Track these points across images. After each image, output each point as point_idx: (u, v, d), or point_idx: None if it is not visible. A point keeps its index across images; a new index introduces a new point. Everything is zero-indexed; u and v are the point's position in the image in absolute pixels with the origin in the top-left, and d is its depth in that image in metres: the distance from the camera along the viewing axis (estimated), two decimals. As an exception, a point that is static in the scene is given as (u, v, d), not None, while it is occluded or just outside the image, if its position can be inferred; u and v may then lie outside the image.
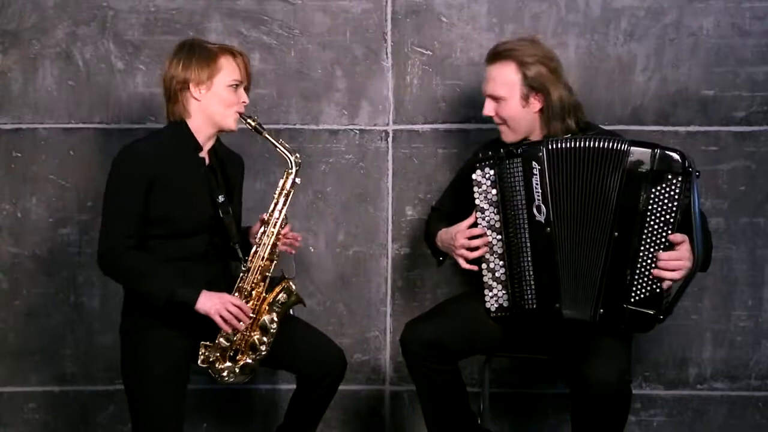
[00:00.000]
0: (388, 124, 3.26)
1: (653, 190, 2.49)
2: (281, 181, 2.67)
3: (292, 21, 3.24)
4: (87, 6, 3.22)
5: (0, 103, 3.24)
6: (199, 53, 2.61)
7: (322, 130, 3.26)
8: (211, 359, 2.61)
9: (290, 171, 2.66)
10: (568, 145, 2.57)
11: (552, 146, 2.58)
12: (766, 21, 3.20)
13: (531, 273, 2.60)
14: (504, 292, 2.67)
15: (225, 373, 2.63)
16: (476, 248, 2.67)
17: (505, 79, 2.71)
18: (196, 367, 2.63)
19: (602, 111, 3.20)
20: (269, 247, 2.63)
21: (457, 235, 2.69)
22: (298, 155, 2.67)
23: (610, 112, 3.22)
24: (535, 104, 2.71)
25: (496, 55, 2.74)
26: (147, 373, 2.58)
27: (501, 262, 2.67)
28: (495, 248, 2.68)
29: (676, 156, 2.48)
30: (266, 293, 2.65)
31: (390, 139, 3.26)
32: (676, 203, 2.47)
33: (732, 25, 3.21)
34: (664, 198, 2.48)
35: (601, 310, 2.55)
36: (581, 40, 3.22)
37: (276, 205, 2.65)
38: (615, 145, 2.53)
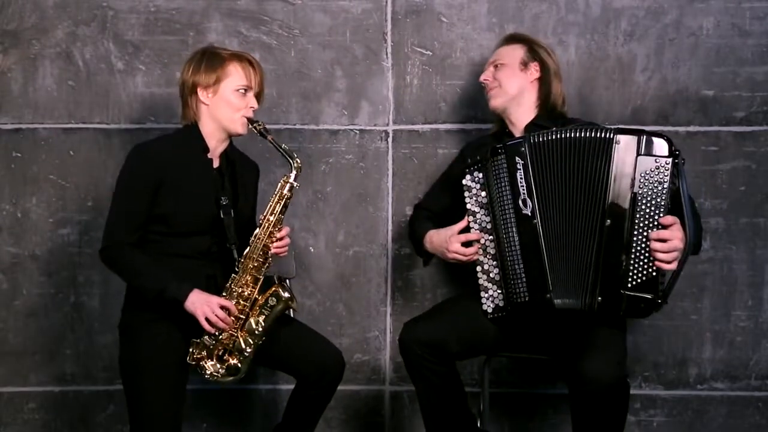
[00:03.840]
0: (388, 124, 3.26)
1: (642, 174, 2.52)
2: (279, 185, 2.66)
3: (292, 21, 3.24)
4: (87, 6, 3.22)
5: (0, 103, 3.24)
6: (208, 59, 2.66)
7: (322, 130, 3.26)
8: (197, 356, 2.62)
9: (289, 175, 2.65)
10: (551, 138, 2.61)
11: (534, 140, 2.62)
12: (766, 21, 3.20)
13: (521, 266, 2.62)
14: (499, 291, 2.69)
15: (209, 372, 2.63)
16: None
17: (511, 53, 2.88)
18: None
19: (602, 111, 3.21)
20: (260, 249, 2.63)
21: (451, 239, 2.73)
22: (299, 160, 2.66)
23: (610, 112, 3.22)
24: (533, 72, 2.84)
25: (510, 38, 2.93)
26: (145, 368, 2.58)
27: (494, 263, 2.69)
28: (488, 249, 2.71)
29: (661, 140, 2.55)
30: (258, 295, 2.66)
31: (390, 139, 3.26)
32: (665, 186, 2.51)
33: (732, 25, 3.21)
34: (654, 181, 2.52)
35: (600, 298, 2.57)
36: (581, 40, 3.22)
37: (271, 207, 2.65)
38: (600, 134, 2.57)
